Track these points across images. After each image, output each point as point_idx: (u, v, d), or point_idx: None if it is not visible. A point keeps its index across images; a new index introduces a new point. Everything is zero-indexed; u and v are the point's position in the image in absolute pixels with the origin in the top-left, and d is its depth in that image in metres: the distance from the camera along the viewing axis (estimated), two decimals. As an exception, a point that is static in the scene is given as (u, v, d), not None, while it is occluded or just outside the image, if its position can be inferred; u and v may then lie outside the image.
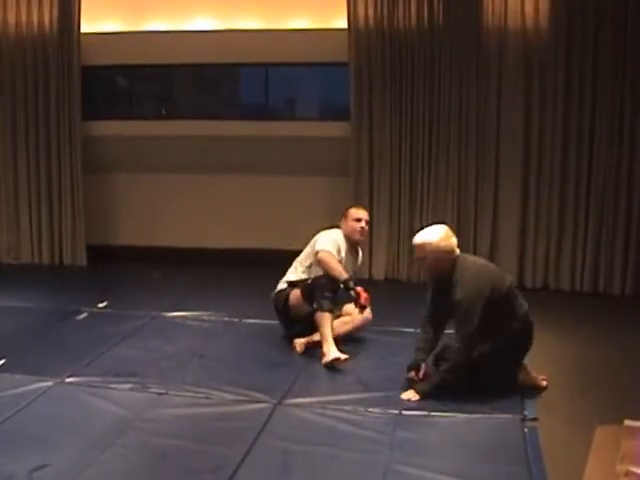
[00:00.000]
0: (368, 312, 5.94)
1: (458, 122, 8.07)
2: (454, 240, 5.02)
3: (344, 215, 6.19)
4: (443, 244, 4.95)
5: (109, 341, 6.00)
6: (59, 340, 6.09)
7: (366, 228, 6.19)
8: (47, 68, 8.72)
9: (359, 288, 5.66)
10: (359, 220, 6.10)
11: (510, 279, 5.15)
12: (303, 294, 5.86)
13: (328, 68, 8.89)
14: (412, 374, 5.14)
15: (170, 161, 9.05)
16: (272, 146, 8.76)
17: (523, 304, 5.06)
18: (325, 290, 5.68)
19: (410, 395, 4.93)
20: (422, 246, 5.00)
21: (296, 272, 6.14)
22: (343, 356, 5.44)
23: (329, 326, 5.62)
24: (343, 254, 5.99)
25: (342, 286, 5.69)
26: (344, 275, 5.70)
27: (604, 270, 7.93)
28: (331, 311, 5.67)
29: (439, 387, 4.90)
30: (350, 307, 5.89)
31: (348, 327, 5.96)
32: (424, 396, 4.88)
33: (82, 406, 4.76)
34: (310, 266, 6.04)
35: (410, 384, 5.06)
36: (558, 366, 5.46)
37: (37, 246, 9.10)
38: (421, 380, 5.06)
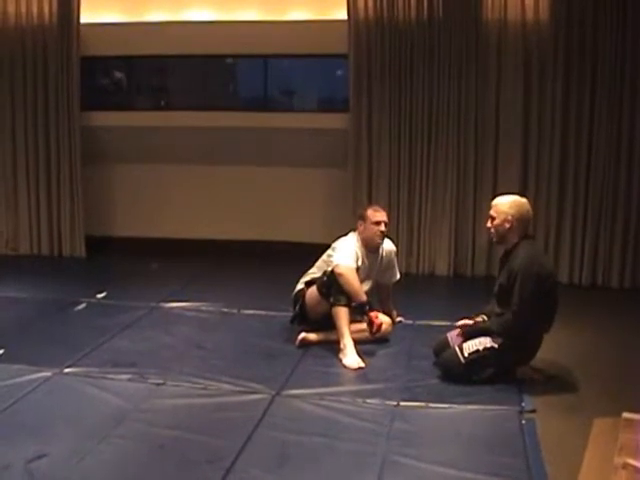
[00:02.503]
0: (386, 328, 5.84)
1: (457, 114, 8.06)
2: (527, 214, 5.22)
3: (361, 217, 5.99)
4: (513, 211, 5.14)
5: (108, 332, 6.00)
6: (58, 331, 6.10)
7: (385, 231, 5.99)
8: (46, 59, 8.70)
9: (373, 314, 5.54)
10: (378, 223, 5.90)
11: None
12: (320, 290, 5.76)
13: (327, 59, 8.88)
14: (464, 321, 5.37)
15: (169, 152, 9.05)
16: (271, 137, 8.76)
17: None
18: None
19: (456, 332, 5.32)
20: (495, 205, 5.27)
21: (314, 275, 6.03)
22: (362, 364, 5.37)
23: (346, 321, 5.55)
24: (360, 262, 5.83)
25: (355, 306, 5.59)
26: (361, 298, 5.55)
27: (603, 263, 7.93)
28: (348, 305, 5.57)
29: (479, 331, 5.16)
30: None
31: (365, 335, 5.68)
32: (465, 334, 5.21)
33: (80, 396, 4.76)
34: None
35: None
36: (556, 358, 5.46)
37: (36, 237, 9.08)
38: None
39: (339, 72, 8.57)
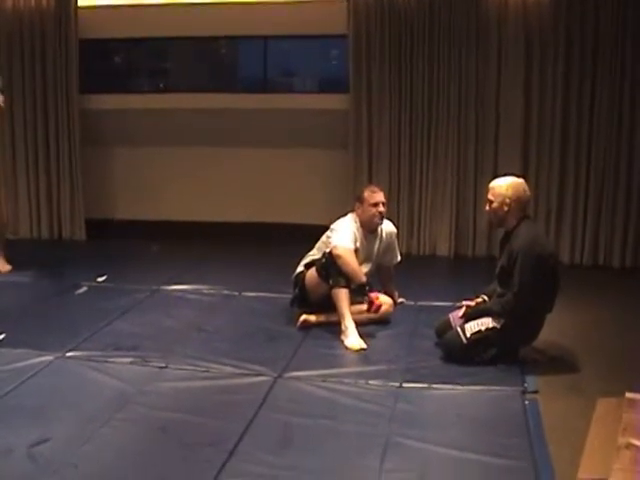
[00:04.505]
0: (387, 309, 5.86)
1: (458, 95, 8.03)
2: (525, 195, 5.19)
3: (359, 199, 5.94)
4: (510, 193, 5.12)
5: (109, 315, 6.00)
6: (59, 314, 6.09)
7: (384, 211, 5.94)
8: (44, 41, 8.66)
9: (372, 295, 5.54)
10: (376, 205, 5.85)
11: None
12: (319, 272, 5.74)
13: (327, 40, 8.84)
14: (466, 302, 5.36)
15: (169, 134, 9.02)
16: (271, 119, 8.72)
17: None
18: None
19: (458, 312, 5.30)
20: (492, 189, 5.23)
21: (314, 256, 5.99)
22: (364, 346, 5.37)
23: (346, 302, 5.53)
24: (359, 244, 5.80)
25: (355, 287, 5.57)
26: (360, 279, 5.52)
27: (604, 243, 7.92)
28: (348, 287, 5.55)
29: (481, 312, 5.14)
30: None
31: (366, 316, 5.68)
32: (467, 315, 5.19)
33: (82, 380, 4.76)
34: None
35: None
36: (559, 339, 5.45)
37: (36, 221, 9.08)
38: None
39: (339, 52, 8.49)
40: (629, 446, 3.65)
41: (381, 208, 5.88)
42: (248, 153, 9.00)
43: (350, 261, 5.55)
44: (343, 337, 5.46)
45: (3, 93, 7.28)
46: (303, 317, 5.77)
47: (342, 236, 5.70)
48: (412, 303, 6.40)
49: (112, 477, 3.63)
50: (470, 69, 7.96)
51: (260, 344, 5.46)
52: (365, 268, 5.84)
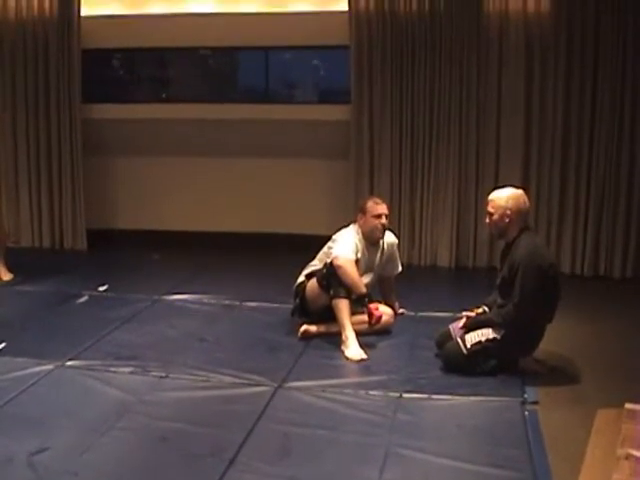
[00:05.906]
0: (388, 319, 5.86)
1: (459, 105, 8.03)
2: (525, 206, 5.19)
3: (361, 209, 5.94)
4: (510, 204, 5.11)
5: (110, 324, 6.00)
6: (59, 323, 6.09)
7: (386, 224, 5.94)
8: (47, 51, 8.68)
9: (372, 306, 5.53)
10: (379, 217, 5.85)
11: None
12: (319, 283, 5.73)
13: (329, 51, 8.86)
14: (466, 312, 5.35)
15: (170, 144, 9.03)
16: (272, 129, 8.73)
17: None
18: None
19: (459, 323, 5.29)
20: (492, 201, 5.21)
21: (315, 267, 6.00)
22: (365, 356, 5.36)
23: (347, 313, 5.53)
24: (360, 255, 5.80)
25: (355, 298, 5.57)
26: (360, 290, 5.52)
27: (605, 253, 7.92)
28: (348, 297, 5.54)
29: (481, 322, 5.14)
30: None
31: (366, 326, 5.63)
32: (467, 326, 5.18)
33: (82, 389, 4.76)
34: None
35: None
36: (559, 349, 5.45)
37: (37, 230, 9.08)
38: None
39: (341, 63, 8.50)
40: (628, 457, 3.66)
41: (383, 220, 5.88)
42: (249, 163, 9.00)
43: (350, 272, 5.55)
44: (343, 347, 5.46)
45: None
46: (304, 327, 5.77)
47: (343, 247, 5.70)
48: (412, 314, 6.40)
49: (112, 486, 3.64)
50: (471, 79, 7.97)
51: (260, 354, 5.46)
52: (366, 279, 5.83)
